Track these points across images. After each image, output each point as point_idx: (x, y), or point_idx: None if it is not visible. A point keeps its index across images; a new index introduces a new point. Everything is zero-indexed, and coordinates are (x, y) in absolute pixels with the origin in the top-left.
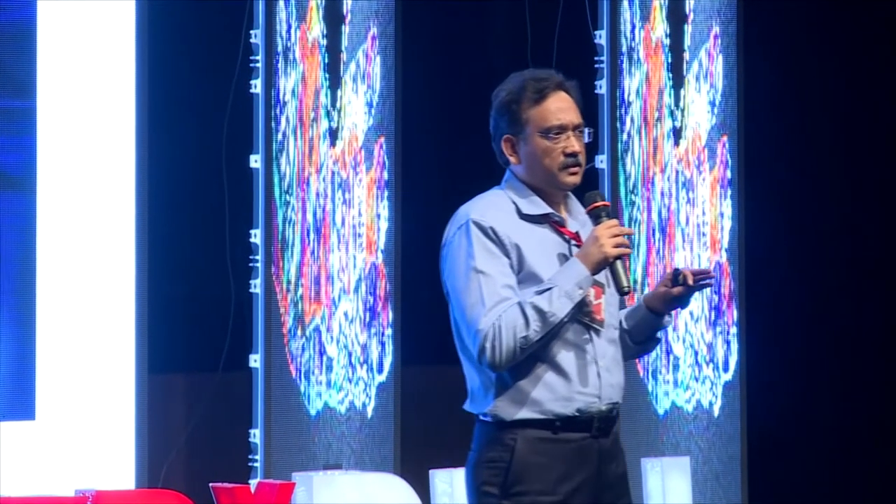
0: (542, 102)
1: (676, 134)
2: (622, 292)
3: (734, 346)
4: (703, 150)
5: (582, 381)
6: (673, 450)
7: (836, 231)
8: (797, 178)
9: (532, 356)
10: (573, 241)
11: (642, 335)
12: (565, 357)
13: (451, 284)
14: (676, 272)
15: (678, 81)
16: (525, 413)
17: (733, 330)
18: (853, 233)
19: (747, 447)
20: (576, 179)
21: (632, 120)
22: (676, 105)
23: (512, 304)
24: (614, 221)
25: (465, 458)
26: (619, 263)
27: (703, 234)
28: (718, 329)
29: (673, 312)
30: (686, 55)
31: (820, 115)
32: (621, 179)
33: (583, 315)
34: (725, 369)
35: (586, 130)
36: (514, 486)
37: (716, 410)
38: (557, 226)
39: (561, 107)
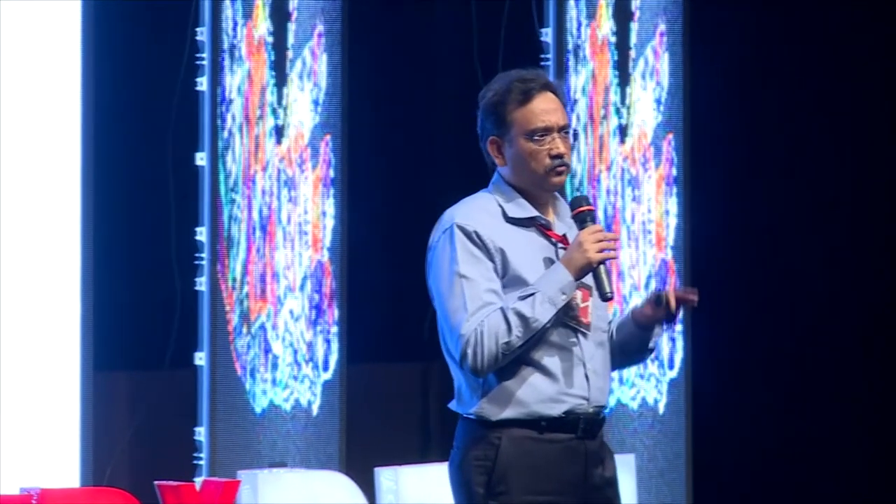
0: (528, 104)
1: (622, 131)
2: (605, 298)
3: (679, 344)
4: (648, 147)
5: (569, 383)
6: (618, 447)
7: (781, 228)
8: (743, 175)
9: (517, 358)
10: (560, 244)
11: (632, 347)
12: (551, 359)
13: (436, 289)
14: (659, 295)
15: (624, 79)
16: (510, 413)
17: (678, 327)
18: (799, 230)
19: (692, 444)
20: (561, 180)
21: (577, 118)
22: (622, 103)
23: (494, 309)
24: (599, 226)
25: (408, 456)
26: (602, 268)
27: (649, 232)
28: (663, 326)
29: (664, 327)
30: (632, 53)
31: (765, 113)
32: (567, 178)
33: (569, 318)
34: (671, 366)
35: (571, 130)
36: (499, 486)
37: (661, 408)
38: (544, 229)
39: (546, 108)
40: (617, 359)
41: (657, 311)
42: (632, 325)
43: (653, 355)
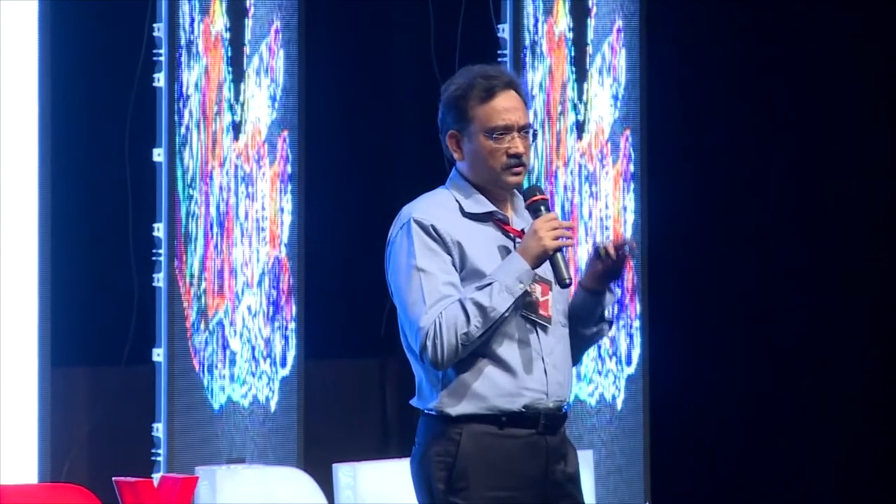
0: (490, 101)
1: (579, 128)
2: (563, 285)
3: (637, 340)
4: (605, 143)
5: (528, 377)
6: (576, 443)
7: (738, 224)
8: (700, 171)
9: (477, 353)
10: (518, 239)
11: (588, 316)
12: (509, 352)
13: (394, 283)
14: (596, 248)
15: (581, 75)
16: (470, 408)
17: (636, 323)
18: (756, 226)
19: (650, 441)
20: (519, 179)
21: (535, 113)
22: (580, 99)
23: (453, 301)
24: (553, 214)
25: (367, 453)
26: (559, 256)
27: (606, 228)
28: (621, 322)
29: (615, 289)
30: (589, 49)
31: (723, 109)
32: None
33: (528, 311)
34: (629, 363)
35: (531, 130)
36: (459, 482)
37: (619, 404)
38: (501, 224)
39: (507, 106)
40: (576, 336)
41: (599, 267)
42: (583, 292)
43: (611, 332)
